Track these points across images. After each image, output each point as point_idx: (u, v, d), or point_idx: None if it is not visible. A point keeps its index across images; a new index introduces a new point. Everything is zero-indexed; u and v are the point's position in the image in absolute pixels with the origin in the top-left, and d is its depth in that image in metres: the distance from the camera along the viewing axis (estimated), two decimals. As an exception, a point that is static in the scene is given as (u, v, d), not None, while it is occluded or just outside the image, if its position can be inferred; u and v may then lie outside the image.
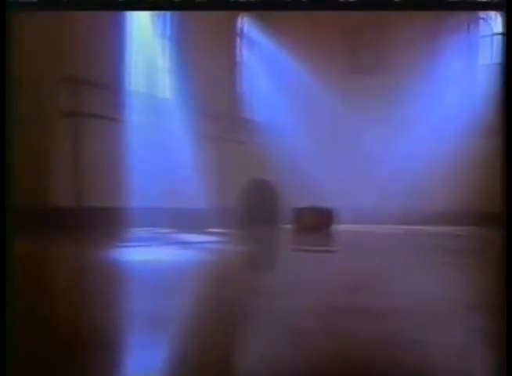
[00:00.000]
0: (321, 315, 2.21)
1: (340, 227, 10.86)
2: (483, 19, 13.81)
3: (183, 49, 11.74)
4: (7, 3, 1.76)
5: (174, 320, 2.11)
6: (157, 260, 4.72)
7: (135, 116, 10.13)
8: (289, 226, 11.19)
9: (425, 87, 13.95)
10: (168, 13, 11.48)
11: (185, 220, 10.48)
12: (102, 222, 9.26)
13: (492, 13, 13.33)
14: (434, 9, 2.62)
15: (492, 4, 2.20)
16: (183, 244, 7.06)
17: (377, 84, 14.28)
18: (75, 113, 9.34)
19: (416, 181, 13.48)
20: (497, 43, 13.40)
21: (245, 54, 14.12)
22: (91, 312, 2.22)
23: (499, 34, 13.04)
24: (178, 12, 11.22)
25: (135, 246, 6.61)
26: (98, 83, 9.62)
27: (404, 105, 14.00)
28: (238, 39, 13.84)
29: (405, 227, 11.90)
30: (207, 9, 2.56)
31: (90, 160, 9.47)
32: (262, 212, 13.14)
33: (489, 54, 13.79)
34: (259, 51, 14.28)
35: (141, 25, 10.96)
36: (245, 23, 13.92)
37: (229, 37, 13.47)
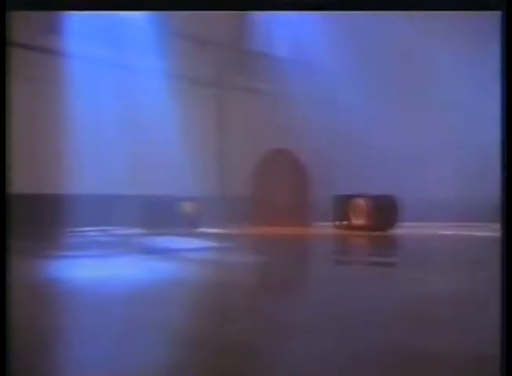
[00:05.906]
0: (380, 364, 2.19)
1: (404, 226, 10.85)
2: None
3: None
4: (7, 3, 2.50)
5: (144, 373, 2.11)
6: (118, 278, 4.73)
7: (80, 47, 10.05)
8: (327, 225, 11.18)
9: None
10: None
11: (162, 215, 10.49)
12: (32, 217, 9.29)
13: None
14: (434, 9, 3.52)
15: (492, 4, 3.01)
16: (160, 252, 7.13)
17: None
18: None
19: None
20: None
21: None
22: (15, 356, 2.20)
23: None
24: None
25: (81, 255, 6.62)
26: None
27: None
28: None
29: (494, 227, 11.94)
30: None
31: (13, 119, 9.45)
32: (283, 202, 13.11)
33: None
34: None
35: None
36: None
37: None
